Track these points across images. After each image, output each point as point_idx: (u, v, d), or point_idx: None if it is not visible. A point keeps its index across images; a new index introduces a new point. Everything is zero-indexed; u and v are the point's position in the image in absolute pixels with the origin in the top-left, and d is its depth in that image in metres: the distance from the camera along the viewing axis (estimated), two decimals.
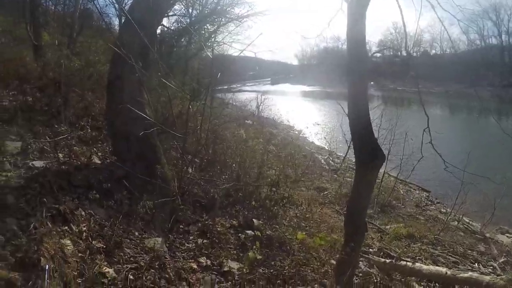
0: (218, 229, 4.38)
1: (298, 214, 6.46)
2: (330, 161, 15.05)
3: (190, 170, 5.30)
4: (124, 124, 4.67)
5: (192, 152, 5.56)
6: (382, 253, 6.18)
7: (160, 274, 3.31)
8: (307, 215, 6.65)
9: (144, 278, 3.16)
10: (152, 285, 3.11)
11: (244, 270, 3.80)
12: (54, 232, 3.17)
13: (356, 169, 4.06)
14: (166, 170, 4.67)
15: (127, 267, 3.25)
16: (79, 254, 3.13)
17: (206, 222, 4.40)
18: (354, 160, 14.16)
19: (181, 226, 4.37)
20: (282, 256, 4.46)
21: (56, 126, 5.60)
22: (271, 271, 4.04)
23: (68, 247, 3.12)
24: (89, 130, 5.86)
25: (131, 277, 3.11)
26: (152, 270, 3.32)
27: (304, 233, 5.37)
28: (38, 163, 4.27)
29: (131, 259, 3.43)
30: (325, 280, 4.20)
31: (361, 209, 4.09)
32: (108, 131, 5.41)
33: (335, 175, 12.53)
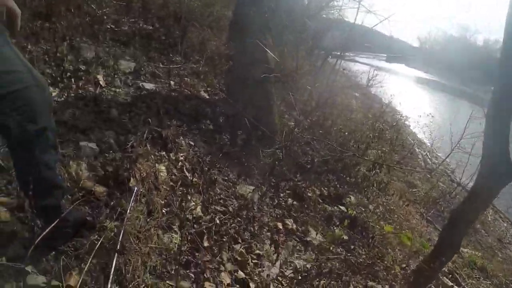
0: (309, 194, 4.23)
1: (385, 204, 6.06)
2: (428, 159, 13.88)
3: (296, 128, 5.14)
4: (243, 64, 4.60)
5: (302, 111, 5.36)
6: (451, 275, 5.56)
7: (246, 225, 3.23)
8: (393, 208, 6.23)
9: (229, 225, 3.06)
10: (236, 236, 3.03)
11: (324, 245, 3.64)
12: (152, 156, 3.07)
13: (478, 180, 3.52)
14: (276, 121, 4.54)
15: (215, 209, 3.17)
16: (171, 183, 3.03)
17: (299, 183, 4.25)
18: (451, 166, 12.83)
19: (273, 180, 4.26)
20: (361, 243, 4.19)
21: (171, 55, 5.71)
22: (349, 254, 3.83)
23: (161, 173, 3.00)
24: (202, 65, 5.87)
25: (218, 221, 3.01)
26: (239, 219, 3.24)
27: (391, 226, 5.04)
28: (149, 85, 4.36)
29: (221, 201, 3.37)
30: (394, 283, 3.91)
31: (467, 222, 3.62)
32: (225, 69, 5.41)
33: (428, 175, 11.62)
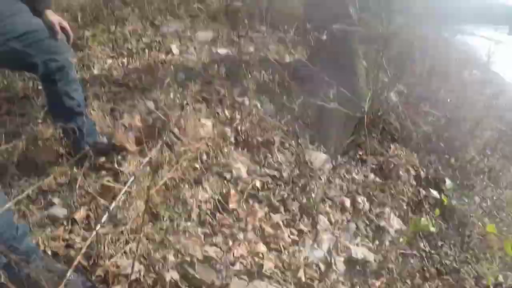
0: (401, 173, 3.56)
1: (494, 198, 5.01)
2: None
3: (392, 96, 4.39)
4: (322, 20, 3.93)
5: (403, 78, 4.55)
6: None
7: (299, 195, 2.82)
8: (503, 204, 5.15)
9: (275, 191, 2.79)
10: (278, 204, 2.70)
11: (402, 238, 3.01)
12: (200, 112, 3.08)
13: None
14: (362, 83, 3.87)
15: (264, 171, 2.91)
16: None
17: (391, 159, 3.60)
18: None
19: (359, 153, 3.68)
20: (454, 241, 3.43)
21: (257, 26, 5.44)
22: (432, 252, 3.15)
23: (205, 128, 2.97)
24: (292, 34, 5.37)
25: (257, 184, 2.81)
26: (294, 186, 2.87)
27: (494, 226, 4.12)
28: (222, 51, 4.33)
29: (275, 164, 3.07)
30: None
31: None
32: (303, 28, 4.81)
33: None
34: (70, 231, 2.16)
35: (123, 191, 2.06)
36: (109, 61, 3.82)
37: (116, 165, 2.52)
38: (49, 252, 2.03)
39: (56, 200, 2.32)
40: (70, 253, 2.02)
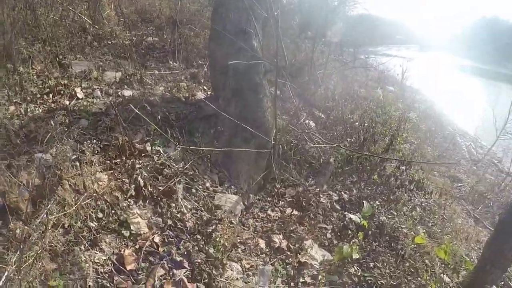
0: (322, 200, 3.49)
1: (423, 204, 5.14)
2: (472, 149, 12.48)
3: (311, 123, 4.42)
4: (224, 55, 3.79)
5: (321, 107, 4.62)
6: None
7: (215, 242, 2.62)
8: (434, 208, 5.30)
9: (179, 244, 2.58)
10: (181, 260, 2.49)
11: (329, 267, 2.87)
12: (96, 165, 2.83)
13: None
14: (268, 116, 3.73)
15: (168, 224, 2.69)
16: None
17: (309, 188, 3.53)
18: (498, 155, 11.44)
19: (276, 187, 3.57)
20: (387, 257, 3.35)
21: (170, 62, 5.44)
22: (365, 275, 3.02)
23: (100, 182, 2.73)
24: (205, 69, 5.41)
25: (157, 240, 2.58)
26: (198, 237, 2.66)
27: (424, 232, 4.15)
28: (128, 92, 4.11)
29: (178, 215, 2.83)
30: None
31: None
32: (208, 64, 4.78)
33: (474, 167, 10.33)
34: None
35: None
36: (12, 108, 3.46)
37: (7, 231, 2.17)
38: None
39: None
40: None
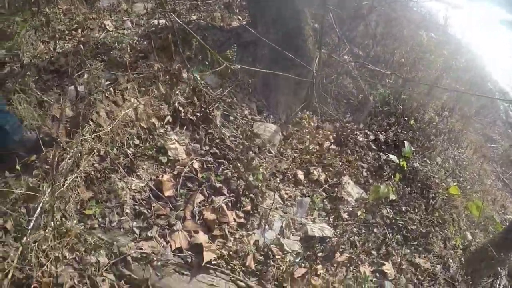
0: (359, 138, 3.31)
1: (456, 158, 4.91)
2: (510, 112, 11.82)
3: (346, 58, 4.10)
4: None
5: (360, 44, 4.25)
6: None
7: (254, 170, 2.52)
8: (465, 163, 5.07)
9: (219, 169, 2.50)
10: (220, 186, 2.42)
11: (364, 205, 2.78)
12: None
13: None
14: (309, 45, 3.47)
15: (211, 143, 2.61)
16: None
17: (347, 125, 3.33)
18: None
19: (314, 120, 3.40)
20: (419, 203, 3.26)
21: None
22: (397, 218, 2.95)
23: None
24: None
25: (196, 165, 2.46)
26: (238, 164, 2.57)
27: (455, 185, 3.99)
28: (162, 21, 3.87)
29: (217, 140, 2.75)
30: (450, 262, 3.00)
31: None
32: None
33: (510, 130, 9.85)
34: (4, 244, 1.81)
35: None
36: (41, 46, 3.40)
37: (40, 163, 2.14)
38: None
39: None
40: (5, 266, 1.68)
